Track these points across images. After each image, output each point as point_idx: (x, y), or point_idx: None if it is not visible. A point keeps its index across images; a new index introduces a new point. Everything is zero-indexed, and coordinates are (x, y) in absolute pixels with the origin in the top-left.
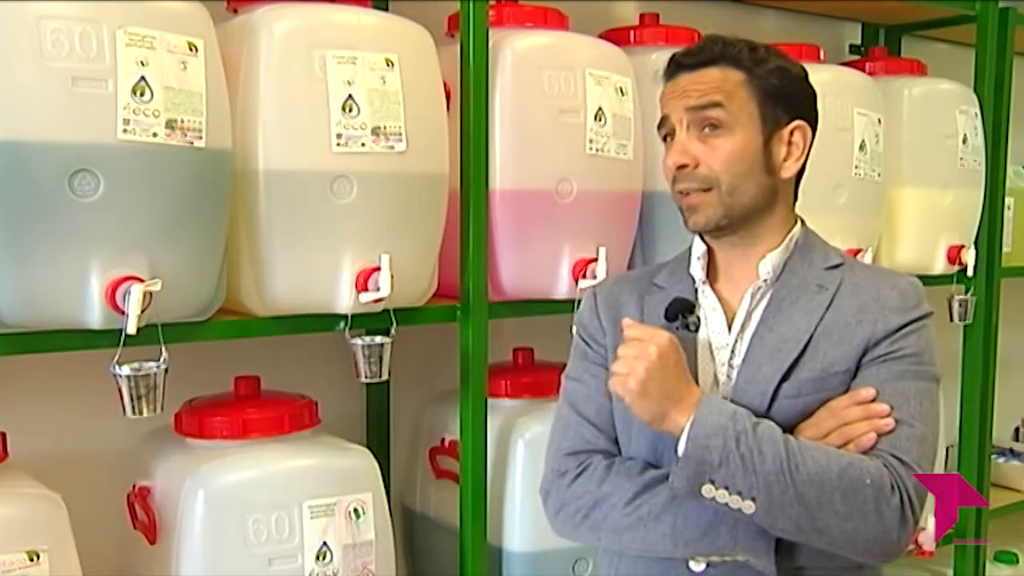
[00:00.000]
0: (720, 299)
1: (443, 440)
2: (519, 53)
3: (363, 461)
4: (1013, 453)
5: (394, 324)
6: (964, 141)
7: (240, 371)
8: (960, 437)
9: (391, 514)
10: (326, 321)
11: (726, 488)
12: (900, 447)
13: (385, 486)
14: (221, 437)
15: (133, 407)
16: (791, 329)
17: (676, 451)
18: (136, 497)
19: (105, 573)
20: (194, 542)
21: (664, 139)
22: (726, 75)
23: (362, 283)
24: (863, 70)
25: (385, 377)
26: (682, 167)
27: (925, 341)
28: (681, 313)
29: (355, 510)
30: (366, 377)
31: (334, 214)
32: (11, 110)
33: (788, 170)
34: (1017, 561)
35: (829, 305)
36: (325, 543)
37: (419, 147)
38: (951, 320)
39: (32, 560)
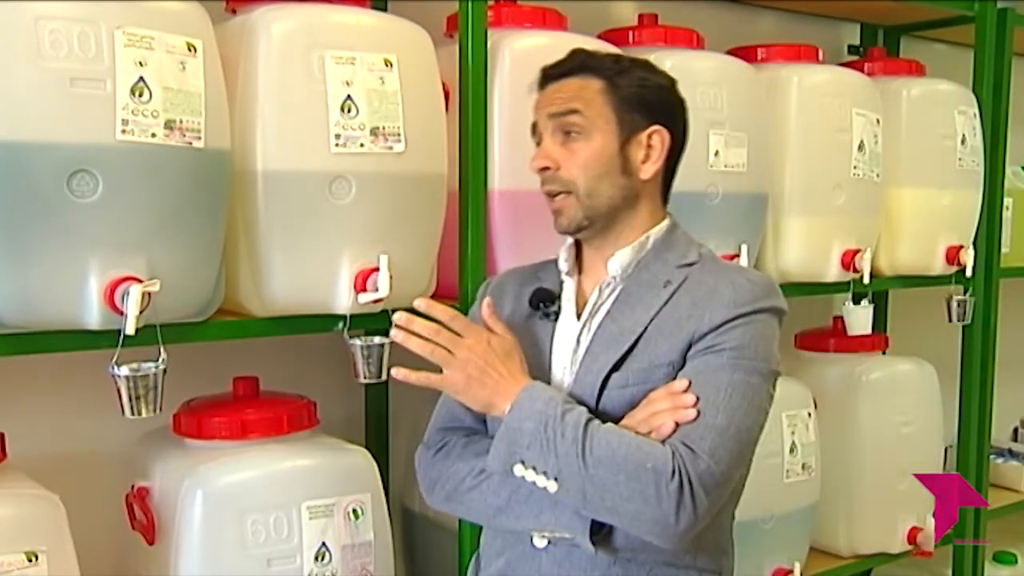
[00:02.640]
0: (578, 291)
1: None
2: (518, 53)
3: (362, 461)
4: (1012, 453)
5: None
6: (963, 141)
7: (239, 372)
8: (959, 437)
9: (390, 515)
10: (325, 322)
11: (533, 468)
12: (693, 436)
13: (384, 486)
14: (220, 438)
15: (132, 408)
16: (629, 321)
17: None
18: (135, 498)
19: (103, 574)
20: (192, 543)
21: (537, 145)
22: (586, 83)
23: (361, 283)
24: (862, 71)
25: (384, 378)
26: (544, 169)
27: (752, 335)
28: (542, 302)
29: (354, 511)
30: (365, 377)
31: (333, 214)
32: (10, 111)
33: (647, 172)
34: (1016, 561)
35: (668, 300)
36: (324, 544)
37: (418, 147)
38: (949, 321)
39: (30, 561)
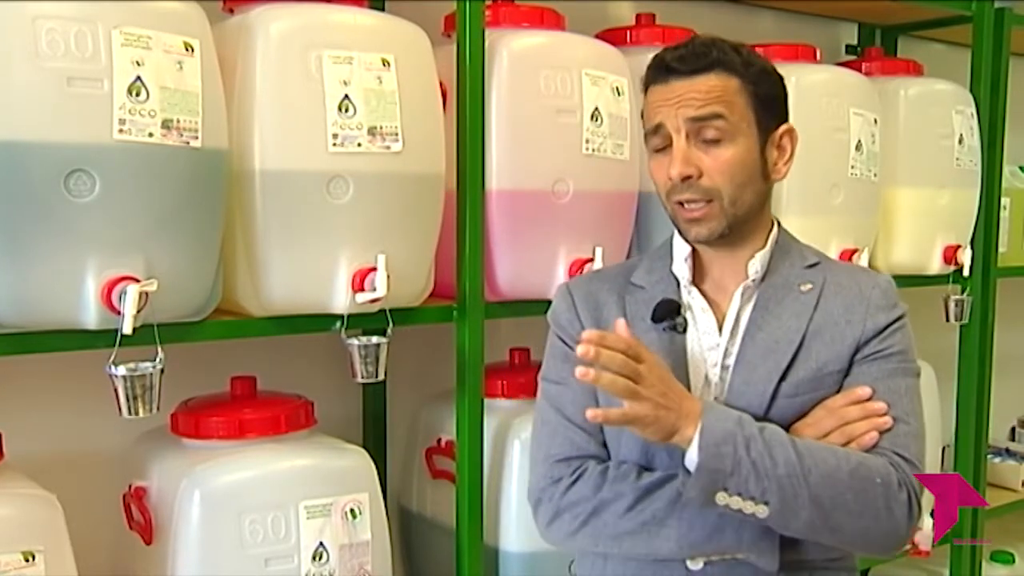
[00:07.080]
0: (707, 299)
1: (439, 440)
2: (515, 53)
3: (359, 461)
4: (1009, 453)
5: (390, 324)
6: (960, 141)
7: (236, 371)
8: (956, 437)
9: (387, 514)
10: (322, 321)
11: (739, 494)
12: (900, 444)
13: (382, 486)
14: (217, 437)
15: (129, 407)
16: (781, 329)
17: (683, 460)
18: (132, 497)
19: (101, 574)
20: (190, 542)
21: (655, 149)
22: (724, 83)
23: (358, 283)
24: (859, 70)
25: (381, 377)
26: (687, 178)
27: (908, 339)
28: (669, 315)
29: (351, 510)
30: (362, 377)
31: (330, 214)
32: (7, 110)
33: (780, 173)
34: (1013, 561)
35: (816, 305)
36: (321, 543)
37: (415, 147)
38: (947, 320)
39: (28, 561)
